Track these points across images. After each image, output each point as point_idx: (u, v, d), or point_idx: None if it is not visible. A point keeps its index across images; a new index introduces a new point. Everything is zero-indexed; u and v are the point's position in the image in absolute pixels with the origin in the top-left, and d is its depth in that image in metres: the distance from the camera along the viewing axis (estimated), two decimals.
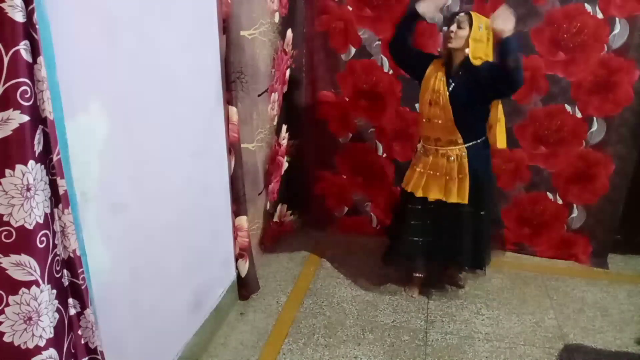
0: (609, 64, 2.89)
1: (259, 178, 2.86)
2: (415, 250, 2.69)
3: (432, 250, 2.68)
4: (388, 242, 2.91)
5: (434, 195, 2.59)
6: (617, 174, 3.08)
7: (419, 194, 2.61)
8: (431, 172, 2.59)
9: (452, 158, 2.53)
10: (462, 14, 2.37)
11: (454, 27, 2.36)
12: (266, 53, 2.70)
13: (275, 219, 3.35)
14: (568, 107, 3.03)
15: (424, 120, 2.55)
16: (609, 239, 3.24)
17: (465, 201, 2.54)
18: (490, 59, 2.39)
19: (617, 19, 2.80)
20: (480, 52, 2.36)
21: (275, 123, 3.01)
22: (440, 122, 2.48)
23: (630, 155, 3.03)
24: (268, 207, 3.12)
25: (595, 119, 3.01)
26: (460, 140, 2.50)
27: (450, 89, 2.44)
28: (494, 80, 2.32)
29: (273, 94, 2.89)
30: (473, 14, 2.37)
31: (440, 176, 2.57)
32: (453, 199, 2.55)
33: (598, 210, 3.18)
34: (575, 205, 3.22)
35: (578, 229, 3.26)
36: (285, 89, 3.10)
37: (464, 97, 2.42)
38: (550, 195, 3.24)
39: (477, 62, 2.36)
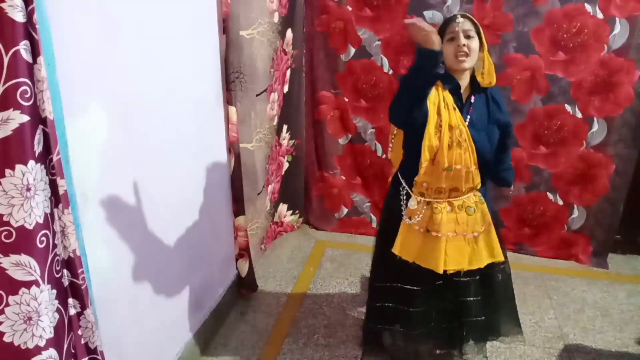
0: (609, 64, 2.89)
1: (258, 178, 2.86)
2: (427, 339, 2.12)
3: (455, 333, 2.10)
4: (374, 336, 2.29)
5: (456, 264, 1.89)
6: (617, 174, 3.08)
7: (440, 269, 1.87)
8: (450, 235, 1.87)
9: (473, 209, 1.88)
10: (461, 19, 1.75)
11: (462, 39, 1.73)
12: (265, 53, 2.70)
13: (276, 219, 3.35)
14: (568, 107, 3.03)
15: (442, 169, 1.80)
16: (609, 239, 3.24)
17: (502, 257, 1.97)
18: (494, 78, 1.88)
19: (617, 19, 2.80)
20: (492, 70, 1.86)
21: (275, 123, 3.01)
22: (460, 167, 1.81)
23: (631, 155, 3.03)
24: (268, 207, 3.12)
25: (595, 119, 3.01)
26: (479, 185, 1.91)
27: (467, 121, 1.82)
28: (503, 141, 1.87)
29: (272, 93, 2.89)
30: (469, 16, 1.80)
31: (460, 236, 1.89)
32: (487, 260, 1.94)
33: (598, 211, 3.18)
34: (575, 206, 3.22)
35: (578, 229, 3.26)
36: (286, 88, 3.10)
37: (485, 130, 1.84)
38: (550, 195, 3.24)
39: (486, 84, 1.87)
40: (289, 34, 3.00)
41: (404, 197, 1.93)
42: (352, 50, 3.21)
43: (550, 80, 3.00)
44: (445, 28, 1.78)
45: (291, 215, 3.54)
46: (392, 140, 2.04)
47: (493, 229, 1.96)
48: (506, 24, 2.94)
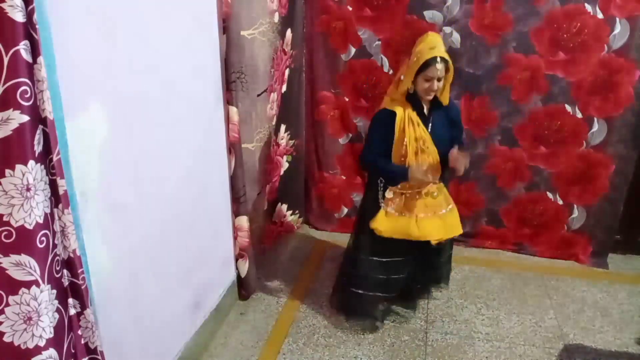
0: (609, 64, 2.89)
1: (258, 178, 2.86)
2: (392, 288, 2.56)
3: (411, 281, 2.60)
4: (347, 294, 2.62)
5: (436, 235, 2.35)
6: (617, 174, 3.08)
7: (420, 238, 2.33)
8: (421, 215, 2.34)
9: (435, 194, 2.36)
10: (440, 66, 2.13)
11: (435, 85, 2.17)
12: (265, 53, 2.70)
13: (275, 219, 3.35)
14: (568, 107, 3.03)
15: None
16: (609, 239, 3.24)
17: (461, 231, 2.46)
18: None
19: (617, 19, 2.80)
20: (447, 94, 2.30)
21: (273, 123, 3.01)
22: (432, 165, 2.30)
23: (630, 155, 3.03)
24: (266, 206, 3.12)
25: (595, 119, 3.01)
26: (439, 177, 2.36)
27: (430, 130, 2.28)
28: None
29: (272, 93, 2.89)
30: (442, 49, 2.17)
31: (433, 216, 2.36)
32: (455, 233, 2.43)
33: (598, 211, 3.18)
34: (575, 206, 3.22)
35: (578, 229, 3.26)
36: (284, 88, 3.10)
37: (444, 136, 2.31)
38: (550, 195, 3.24)
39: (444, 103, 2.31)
40: (289, 33, 3.00)
41: (382, 189, 2.38)
42: (353, 50, 3.21)
43: (550, 80, 3.00)
44: (425, 67, 2.16)
45: (291, 215, 3.53)
46: None
47: (455, 208, 2.45)
48: (506, 23, 2.94)
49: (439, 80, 2.17)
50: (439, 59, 2.13)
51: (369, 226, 2.39)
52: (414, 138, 2.25)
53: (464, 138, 2.60)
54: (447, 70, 2.18)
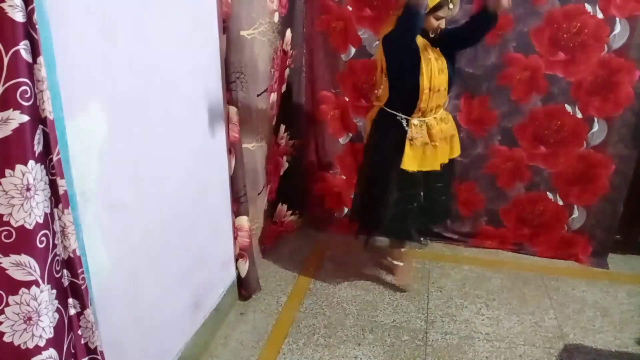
0: (609, 64, 2.89)
1: (258, 178, 2.86)
2: (410, 221, 2.73)
3: (426, 214, 2.77)
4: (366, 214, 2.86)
5: (440, 161, 2.63)
6: (617, 174, 3.07)
7: (427, 167, 2.59)
8: (437, 143, 2.57)
9: (447, 119, 2.66)
10: (451, 6, 2.39)
11: (444, 22, 2.44)
12: (265, 53, 2.70)
13: (275, 219, 3.35)
14: (568, 108, 3.03)
15: (431, 92, 2.47)
16: (609, 239, 3.24)
17: (459, 152, 2.79)
18: None
19: (617, 19, 2.80)
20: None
21: (274, 123, 3.01)
22: (443, 88, 2.52)
23: (631, 155, 3.03)
24: (266, 206, 3.12)
25: (596, 119, 3.01)
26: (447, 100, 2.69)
27: (441, 51, 2.53)
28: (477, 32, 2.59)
29: (272, 94, 2.89)
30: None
31: (444, 140, 2.62)
32: (457, 153, 2.76)
33: (598, 211, 3.18)
34: (575, 206, 3.22)
35: (578, 229, 3.25)
36: (283, 88, 3.10)
37: (449, 59, 2.55)
38: (550, 195, 3.24)
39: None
40: (289, 33, 3.00)
41: (405, 124, 2.55)
42: (353, 50, 3.21)
43: (550, 80, 3.00)
44: (438, 7, 2.36)
45: (291, 215, 3.53)
46: (380, 88, 2.63)
47: (457, 132, 2.75)
48: (506, 23, 2.93)
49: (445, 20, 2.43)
50: (450, 3, 2.38)
51: (391, 164, 2.57)
52: (434, 58, 2.47)
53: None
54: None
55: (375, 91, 2.68)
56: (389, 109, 2.59)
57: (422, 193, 2.67)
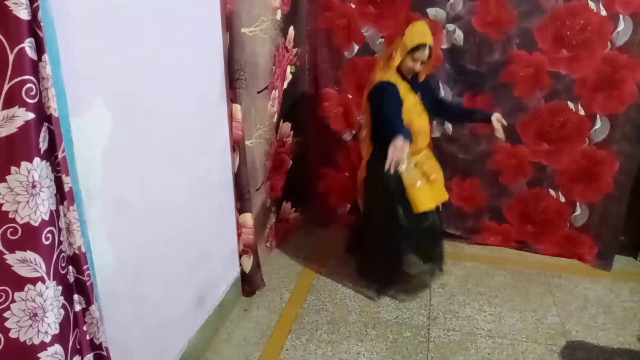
0: (613, 61, 2.88)
1: (257, 174, 2.86)
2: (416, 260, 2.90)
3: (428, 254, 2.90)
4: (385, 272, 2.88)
5: (437, 201, 2.71)
6: (621, 172, 3.06)
7: (430, 207, 2.64)
8: (431, 178, 2.65)
9: (431, 156, 2.74)
10: (427, 51, 2.45)
11: (417, 67, 2.50)
12: (267, 50, 2.70)
13: (280, 216, 3.35)
14: (571, 104, 3.02)
15: (418, 134, 2.53)
16: (614, 240, 3.19)
17: (447, 196, 2.83)
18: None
19: (621, 16, 2.79)
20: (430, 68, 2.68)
21: (275, 120, 3.01)
22: (424, 131, 2.62)
23: (635, 153, 3.01)
24: (268, 203, 3.12)
25: (599, 116, 3.00)
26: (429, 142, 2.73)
27: (420, 98, 2.59)
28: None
29: (274, 91, 2.89)
30: (431, 39, 2.47)
31: (435, 178, 2.68)
32: (443, 197, 2.78)
33: (602, 209, 3.17)
34: (578, 204, 3.22)
35: (581, 227, 3.24)
36: (285, 85, 3.10)
37: (429, 103, 2.63)
38: (553, 192, 3.24)
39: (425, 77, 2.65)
40: (291, 31, 3.00)
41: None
42: (356, 48, 3.21)
43: (554, 77, 2.99)
44: (416, 50, 2.45)
45: (294, 212, 3.54)
46: (362, 136, 2.78)
47: (441, 172, 2.79)
48: (510, 20, 2.93)
49: (422, 63, 2.50)
50: (428, 46, 2.46)
51: (396, 203, 2.61)
52: (412, 104, 2.53)
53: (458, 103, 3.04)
54: (429, 56, 2.50)
55: (360, 133, 2.83)
56: (379, 164, 2.41)
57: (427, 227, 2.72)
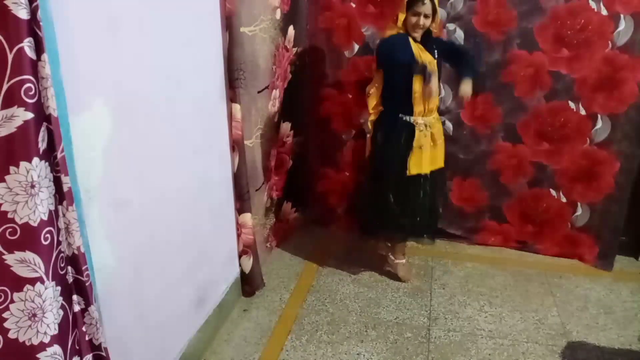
0: (613, 61, 2.87)
1: (257, 174, 2.86)
2: (406, 226, 2.81)
3: (418, 220, 2.80)
4: (369, 215, 2.95)
5: (427, 167, 2.69)
6: (622, 172, 3.05)
7: (427, 169, 2.69)
8: (438, 142, 2.69)
9: (441, 120, 2.79)
10: (426, 3, 2.44)
11: (422, 20, 2.48)
12: (267, 50, 2.70)
13: (281, 217, 3.35)
14: (572, 104, 3.02)
15: (431, 92, 2.57)
16: (615, 240, 3.18)
17: (443, 164, 2.80)
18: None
19: (621, 16, 2.79)
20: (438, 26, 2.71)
21: (276, 120, 3.01)
22: (436, 90, 2.62)
23: (635, 153, 3.01)
24: (268, 204, 3.12)
25: (599, 116, 3.00)
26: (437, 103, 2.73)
27: (436, 57, 2.59)
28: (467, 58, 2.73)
29: (274, 90, 2.88)
30: None
31: (441, 143, 2.72)
32: (439, 164, 2.76)
33: (603, 209, 3.15)
34: (579, 204, 3.21)
35: (582, 227, 3.24)
36: (285, 85, 3.09)
37: (439, 63, 2.63)
38: (553, 192, 3.23)
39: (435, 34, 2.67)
40: (291, 30, 2.99)
41: (405, 125, 2.63)
42: (356, 47, 3.20)
43: (554, 77, 2.99)
44: (412, 4, 2.47)
45: (295, 212, 3.53)
46: (370, 92, 2.75)
47: (444, 142, 2.79)
48: (510, 20, 2.93)
49: (425, 17, 2.47)
50: (425, 1, 2.44)
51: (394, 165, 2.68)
52: (428, 61, 2.52)
53: (471, 59, 2.79)
54: (434, 10, 2.49)
55: (368, 88, 2.76)
56: (388, 113, 2.69)
57: (421, 193, 2.74)
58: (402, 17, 2.51)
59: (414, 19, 2.48)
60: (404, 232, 2.89)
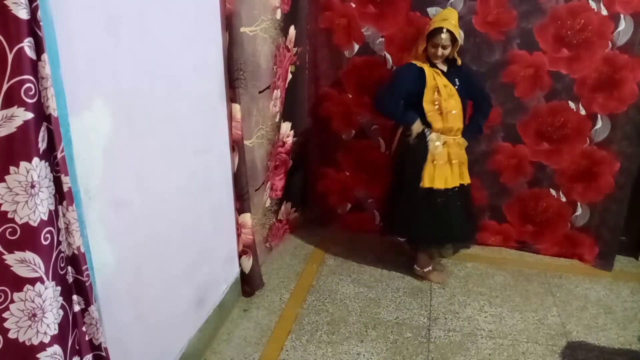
0: (613, 61, 2.88)
1: (258, 174, 2.86)
2: (430, 239, 2.90)
3: (443, 234, 2.86)
4: (393, 217, 2.97)
5: (452, 182, 2.76)
6: (622, 172, 3.05)
7: (440, 185, 2.74)
8: (453, 162, 2.75)
9: (461, 143, 2.80)
10: (445, 36, 2.57)
11: (440, 50, 2.62)
12: (267, 50, 2.70)
13: (280, 216, 3.35)
14: (572, 104, 3.02)
15: (443, 112, 2.68)
16: (614, 239, 3.18)
17: (469, 181, 2.87)
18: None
19: (622, 16, 2.79)
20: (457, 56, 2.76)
21: (277, 120, 3.01)
22: (455, 112, 2.69)
23: (636, 153, 3.01)
24: (268, 204, 3.12)
25: (599, 116, 3.00)
26: (462, 127, 2.78)
27: (457, 84, 2.71)
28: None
29: (275, 90, 2.88)
30: (451, 23, 2.58)
31: (456, 163, 2.76)
32: (465, 181, 2.84)
33: (603, 209, 3.16)
34: (579, 204, 3.21)
35: (582, 227, 3.24)
36: (286, 85, 3.09)
37: (463, 91, 2.73)
38: (553, 192, 3.23)
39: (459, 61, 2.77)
40: (292, 30, 2.99)
41: (423, 137, 2.73)
42: (356, 47, 3.20)
43: (554, 77, 2.99)
44: (432, 35, 2.61)
45: (294, 212, 3.53)
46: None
47: (467, 161, 2.87)
48: (510, 20, 2.93)
49: (444, 48, 2.61)
50: (444, 30, 2.55)
51: (411, 174, 2.77)
52: (443, 84, 2.66)
53: (488, 107, 2.93)
54: (453, 40, 2.60)
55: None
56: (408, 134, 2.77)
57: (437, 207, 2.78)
58: (421, 47, 2.66)
59: (432, 50, 2.64)
60: (423, 241, 2.96)
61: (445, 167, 2.74)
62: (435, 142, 2.71)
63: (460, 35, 2.64)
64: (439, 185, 2.73)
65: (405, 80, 2.71)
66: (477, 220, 3.17)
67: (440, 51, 2.62)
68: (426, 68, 2.68)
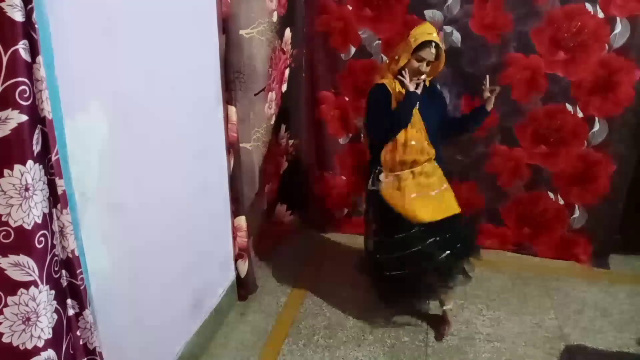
0: (609, 64, 2.89)
1: (254, 177, 2.85)
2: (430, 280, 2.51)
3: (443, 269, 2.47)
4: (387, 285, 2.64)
5: (434, 216, 2.40)
6: (617, 174, 3.07)
7: (422, 219, 2.39)
8: (414, 195, 2.42)
9: (429, 173, 2.46)
10: (433, 50, 2.31)
11: (424, 66, 2.35)
12: (264, 52, 2.70)
13: (274, 219, 3.34)
14: (569, 107, 3.03)
15: (402, 145, 2.41)
16: (610, 239, 3.23)
17: (459, 210, 2.47)
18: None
19: (617, 19, 2.80)
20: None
21: (272, 122, 3.00)
22: (414, 143, 2.41)
23: (631, 155, 3.02)
24: (264, 206, 3.11)
25: (596, 119, 3.01)
26: (433, 155, 2.49)
27: (418, 108, 2.40)
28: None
29: (270, 93, 2.88)
30: (438, 38, 2.34)
31: (428, 195, 2.44)
32: (452, 211, 2.45)
33: (599, 211, 3.17)
34: (576, 206, 3.22)
35: (579, 229, 3.25)
36: (284, 88, 3.09)
37: (432, 117, 2.46)
38: (551, 195, 3.24)
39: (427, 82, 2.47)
40: (288, 33, 3.00)
41: (377, 173, 2.49)
42: (353, 50, 3.21)
43: (551, 80, 2.99)
44: (420, 48, 2.32)
45: (291, 215, 3.53)
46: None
47: (450, 188, 2.52)
48: (506, 23, 2.94)
49: (427, 64, 2.36)
50: (433, 44, 2.32)
51: (378, 215, 2.57)
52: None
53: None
54: (437, 57, 2.37)
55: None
56: (371, 160, 2.55)
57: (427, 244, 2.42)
58: (403, 60, 2.35)
59: (416, 64, 2.34)
60: (422, 295, 2.64)
61: (419, 200, 2.42)
62: (383, 180, 2.46)
63: (443, 54, 2.39)
64: (425, 217, 2.39)
65: (386, 98, 2.42)
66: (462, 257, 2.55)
67: (424, 67, 2.34)
68: (393, 91, 2.41)
